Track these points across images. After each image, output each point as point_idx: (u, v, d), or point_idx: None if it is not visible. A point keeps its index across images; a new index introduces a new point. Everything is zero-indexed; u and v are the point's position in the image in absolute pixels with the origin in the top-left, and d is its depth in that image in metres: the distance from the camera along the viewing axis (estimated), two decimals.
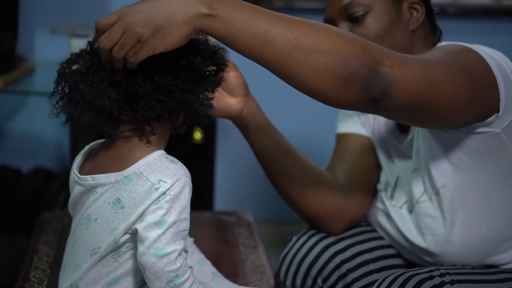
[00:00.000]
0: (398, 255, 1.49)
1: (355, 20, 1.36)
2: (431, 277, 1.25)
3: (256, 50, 1.05)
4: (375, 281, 1.30)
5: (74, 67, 1.12)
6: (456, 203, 1.31)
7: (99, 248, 1.10)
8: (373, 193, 1.52)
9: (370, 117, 1.52)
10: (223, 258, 1.44)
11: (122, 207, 1.08)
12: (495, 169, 1.29)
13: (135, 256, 1.10)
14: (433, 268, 1.29)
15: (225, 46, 1.10)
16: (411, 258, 1.44)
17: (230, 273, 1.38)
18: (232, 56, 1.21)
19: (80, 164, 1.17)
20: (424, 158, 1.35)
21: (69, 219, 1.21)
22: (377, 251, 1.48)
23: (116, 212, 1.09)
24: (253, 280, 1.38)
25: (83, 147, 1.22)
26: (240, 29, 1.04)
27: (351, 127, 1.55)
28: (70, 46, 2.09)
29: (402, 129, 1.45)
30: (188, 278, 1.07)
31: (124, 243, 1.10)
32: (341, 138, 1.55)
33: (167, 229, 1.05)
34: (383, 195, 1.49)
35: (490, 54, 1.23)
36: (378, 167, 1.51)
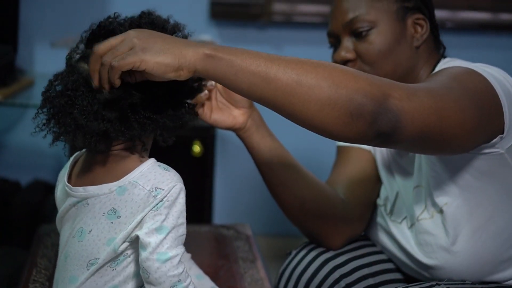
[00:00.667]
0: (397, 270, 1.48)
1: (359, 36, 1.36)
2: None
3: (258, 88, 1.04)
4: None
5: (58, 88, 1.11)
6: (458, 221, 1.30)
7: (96, 259, 1.11)
8: (373, 208, 1.51)
9: None
10: (222, 272, 1.44)
11: (118, 217, 1.09)
12: (498, 188, 1.29)
13: (132, 264, 1.12)
14: (433, 283, 1.29)
15: None
16: (410, 273, 1.44)
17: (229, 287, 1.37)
18: None
19: (68, 177, 1.17)
20: (426, 177, 1.35)
21: None
22: (376, 265, 1.47)
23: (112, 222, 1.10)
24: None
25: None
26: (240, 66, 1.04)
27: None
28: None
29: None
30: (189, 284, 1.09)
31: (122, 252, 1.11)
32: (342, 151, 1.55)
33: (167, 234, 1.07)
34: (382, 210, 1.49)
35: (492, 74, 1.23)
36: (378, 181, 1.51)
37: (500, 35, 2.74)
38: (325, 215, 1.44)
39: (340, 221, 1.45)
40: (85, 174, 1.14)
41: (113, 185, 1.10)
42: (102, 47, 1.04)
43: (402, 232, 1.42)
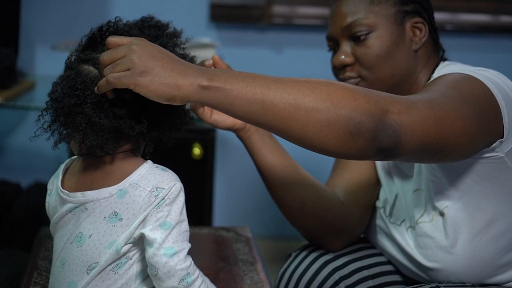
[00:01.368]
0: (397, 272, 1.49)
1: (357, 40, 1.36)
2: None
3: (256, 115, 1.05)
4: None
5: (64, 89, 1.12)
6: (459, 224, 1.30)
7: (97, 263, 1.12)
8: (372, 210, 1.52)
9: None
10: (222, 275, 1.44)
11: (120, 219, 1.11)
12: (498, 191, 1.29)
13: (134, 266, 1.13)
14: (433, 285, 1.29)
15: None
16: (410, 275, 1.44)
17: None
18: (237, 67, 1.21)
19: (60, 184, 1.18)
20: (426, 180, 1.35)
21: None
22: (376, 267, 1.48)
23: (113, 225, 1.11)
24: None
25: None
26: (236, 96, 1.04)
27: None
28: None
29: None
30: (198, 277, 1.11)
31: (124, 254, 1.12)
32: None
33: (172, 229, 1.09)
34: (381, 212, 1.49)
35: (491, 78, 1.23)
36: (378, 184, 1.51)
37: (501, 37, 2.74)
38: (325, 217, 1.44)
39: (340, 223, 1.46)
40: (81, 180, 1.15)
41: (113, 189, 1.11)
42: (105, 57, 1.06)
43: (402, 234, 1.42)
